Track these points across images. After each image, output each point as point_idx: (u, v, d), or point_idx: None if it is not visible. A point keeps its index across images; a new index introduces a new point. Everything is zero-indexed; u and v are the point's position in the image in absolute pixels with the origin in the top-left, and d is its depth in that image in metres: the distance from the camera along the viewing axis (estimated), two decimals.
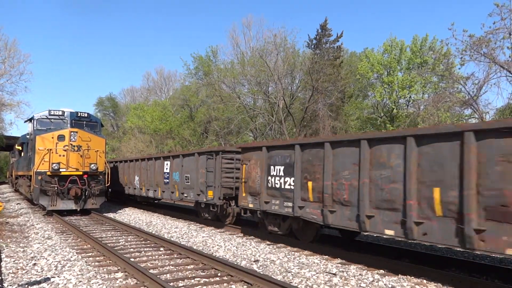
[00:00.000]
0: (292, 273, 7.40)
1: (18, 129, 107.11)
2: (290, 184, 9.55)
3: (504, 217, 5.68)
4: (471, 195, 5.99)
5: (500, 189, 5.73)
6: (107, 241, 10.55)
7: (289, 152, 9.67)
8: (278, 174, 10.01)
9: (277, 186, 9.98)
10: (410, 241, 10.96)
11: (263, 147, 10.59)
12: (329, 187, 8.41)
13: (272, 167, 10.20)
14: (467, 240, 6.01)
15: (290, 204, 9.51)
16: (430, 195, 6.54)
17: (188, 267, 7.81)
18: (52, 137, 16.15)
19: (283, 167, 9.84)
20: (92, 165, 16.58)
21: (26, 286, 6.44)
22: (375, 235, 8.76)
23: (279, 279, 6.69)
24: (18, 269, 7.54)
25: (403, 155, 6.96)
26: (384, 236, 8.80)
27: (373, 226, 7.47)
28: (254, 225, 12.50)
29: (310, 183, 8.95)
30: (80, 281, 6.70)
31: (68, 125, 16.96)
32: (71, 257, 8.62)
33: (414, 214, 6.72)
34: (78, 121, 17.53)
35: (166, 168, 16.48)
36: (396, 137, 7.20)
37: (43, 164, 15.89)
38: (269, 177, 10.26)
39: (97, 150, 16.87)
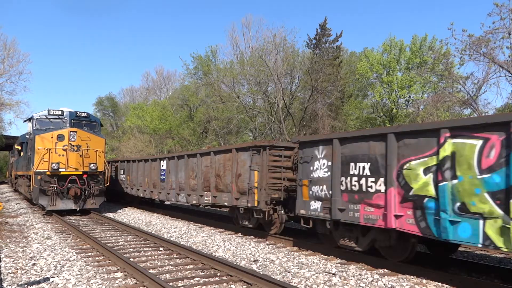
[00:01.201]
0: (292, 273, 7.40)
1: (17, 128, 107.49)
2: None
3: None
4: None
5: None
6: (106, 241, 10.56)
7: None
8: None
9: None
10: None
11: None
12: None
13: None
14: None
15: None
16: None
17: (188, 267, 7.81)
18: (52, 137, 16.15)
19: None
20: (92, 165, 16.59)
21: (26, 286, 6.44)
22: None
23: (278, 279, 6.69)
24: (17, 269, 7.55)
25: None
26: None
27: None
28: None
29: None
30: (79, 281, 6.70)
31: (68, 125, 16.96)
32: (71, 257, 8.62)
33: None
34: (78, 120, 17.54)
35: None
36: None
37: (42, 164, 15.88)
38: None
39: (97, 150, 16.87)
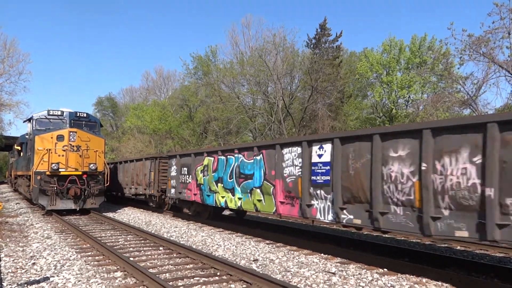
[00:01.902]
0: (292, 272, 7.40)
1: (17, 129, 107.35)
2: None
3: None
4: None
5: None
6: (106, 241, 10.55)
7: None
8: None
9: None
10: (409, 241, 10.98)
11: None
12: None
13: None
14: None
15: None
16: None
17: (188, 266, 7.81)
18: (51, 137, 16.15)
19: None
20: (91, 165, 16.59)
21: (26, 285, 6.44)
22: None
23: (278, 278, 6.70)
24: (17, 268, 7.54)
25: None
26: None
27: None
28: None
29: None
30: (79, 281, 6.70)
31: (67, 125, 16.95)
32: (70, 256, 8.62)
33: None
34: (77, 121, 17.52)
35: None
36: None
37: (42, 164, 15.88)
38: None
39: (96, 150, 16.87)
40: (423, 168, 6.48)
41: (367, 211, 7.43)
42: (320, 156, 8.49)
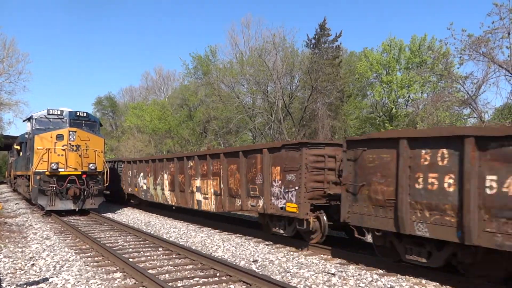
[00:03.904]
0: (291, 273, 7.39)
1: (16, 128, 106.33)
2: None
3: None
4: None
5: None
6: (105, 241, 10.54)
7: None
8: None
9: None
10: None
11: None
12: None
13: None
14: None
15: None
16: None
17: (187, 267, 7.81)
18: (51, 137, 16.12)
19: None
20: (91, 165, 16.56)
21: (25, 286, 6.43)
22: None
23: (278, 279, 6.69)
24: (16, 269, 7.54)
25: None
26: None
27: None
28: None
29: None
30: (78, 281, 6.69)
31: (67, 125, 16.92)
32: (70, 257, 8.61)
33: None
34: (77, 120, 17.50)
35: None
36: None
37: (41, 163, 15.85)
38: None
39: (96, 150, 16.85)
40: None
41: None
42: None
